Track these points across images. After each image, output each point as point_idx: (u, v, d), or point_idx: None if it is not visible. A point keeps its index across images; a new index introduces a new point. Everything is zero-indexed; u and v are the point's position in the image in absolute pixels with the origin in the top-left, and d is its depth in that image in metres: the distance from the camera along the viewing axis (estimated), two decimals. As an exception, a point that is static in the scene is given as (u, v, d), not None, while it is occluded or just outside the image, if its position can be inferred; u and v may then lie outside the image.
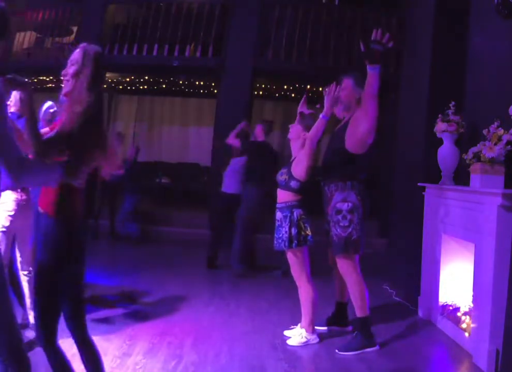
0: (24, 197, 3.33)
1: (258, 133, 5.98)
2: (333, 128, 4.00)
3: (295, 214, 3.58)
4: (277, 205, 3.70)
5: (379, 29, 3.35)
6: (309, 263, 3.66)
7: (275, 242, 3.68)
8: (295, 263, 3.64)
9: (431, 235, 4.43)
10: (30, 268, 3.37)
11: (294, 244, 3.55)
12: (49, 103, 4.51)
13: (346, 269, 3.63)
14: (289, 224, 3.58)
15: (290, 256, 3.64)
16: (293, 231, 3.55)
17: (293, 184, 3.62)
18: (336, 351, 3.54)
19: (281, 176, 3.70)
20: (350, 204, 3.59)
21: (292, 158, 3.72)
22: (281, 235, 3.62)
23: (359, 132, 3.57)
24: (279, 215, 3.68)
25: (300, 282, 3.67)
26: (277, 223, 3.68)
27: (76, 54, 2.13)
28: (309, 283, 3.65)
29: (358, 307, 3.61)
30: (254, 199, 5.71)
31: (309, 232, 3.58)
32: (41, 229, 2.12)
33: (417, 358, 3.55)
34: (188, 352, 3.39)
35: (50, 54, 8.72)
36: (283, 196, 3.67)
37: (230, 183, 6.12)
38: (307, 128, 3.65)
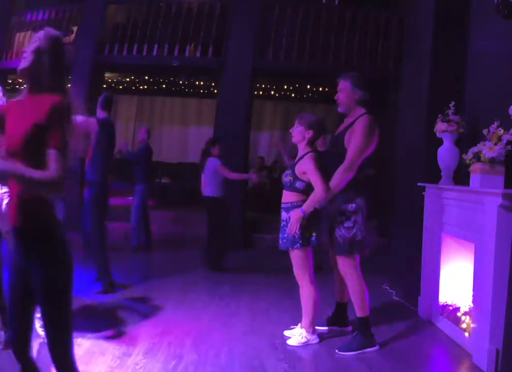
0: (6, 191, 3.02)
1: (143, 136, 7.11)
2: (335, 128, 4.01)
3: None
4: (283, 206, 3.68)
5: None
6: (312, 263, 3.65)
7: (280, 241, 3.67)
8: (298, 263, 3.63)
9: (431, 235, 4.43)
10: None
11: (298, 245, 3.55)
12: None
13: (348, 269, 3.63)
14: None
15: (294, 256, 3.63)
16: (298, 231, 3.54)
17: (298, 184, 3.60)
18: (337, 351, 3.54)
19: (286, 178, 3.68)
20: (354, 205, 3.59)
21: (297, 159, 3.70)
22: (286, 235, 3.61)
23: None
24: (284, 215, 3.66)
25: (302, 283, 3.66)
26: (282, 223, 3.67)
27: (39, 33, 2.03)
28: (312, 284, 3.64)
29: (358, 307, 3.61)
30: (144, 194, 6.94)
31: (313, 232, 3.58)
32: None
33: (417, 358, 3.55)
34: (188, 352, 3.39)
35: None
36: (288, 196, 3.65)
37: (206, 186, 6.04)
38: (309, 126, 3.64)
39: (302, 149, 3.68)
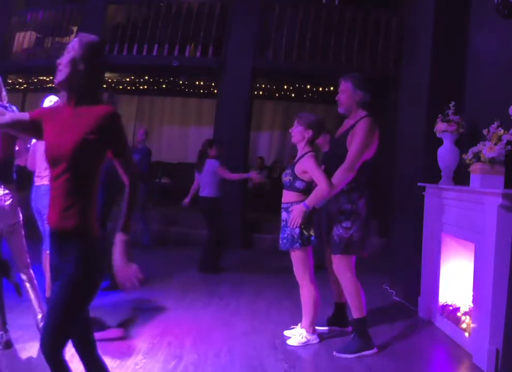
0: (7, 193, 3.14)
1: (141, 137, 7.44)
2: (335, 129, 4.00)
3: None
4: (283, 205, 3.68)
5: None
6: (312, 263, 3.65)
7: (280, 241, 3.67)
8: (298, 263, 3.62)
9: (431, 235, 4.43)
10: (30, 271, 3.30)
11: (297, 244, 3.54)
12: (53, 98, 4.44)
13: (342, 269, 3.61)
14: None
15: (294, 256, 3.63)
16: (297, 231, 3.54)
17: (298, 184, 3.60)
18: (335, 353, 3.53)
19: (286, 177, 3.68)
20: (354, 206, 3.58)
21: (297, 158, 3.70)
22: (286, 235, 3.60)
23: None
24: (284, 215, 3.66)
25: (302, 282, 3.66)
26: (282, 223, 3.67)
27: (73, 42, 1.99)
28: (312, 283, 3.64)
29: (355, 308, 3.58)
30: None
31: (312, 232, 3.57)
32: None
33: (417, 358, 3.55)
34: (188, 352, 3.39)
35: (50, 54, 8.73)
36: (288, 196, 3.65)
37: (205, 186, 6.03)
38: (308, 126, 3.64)
39: (301, 148, 3.69)
